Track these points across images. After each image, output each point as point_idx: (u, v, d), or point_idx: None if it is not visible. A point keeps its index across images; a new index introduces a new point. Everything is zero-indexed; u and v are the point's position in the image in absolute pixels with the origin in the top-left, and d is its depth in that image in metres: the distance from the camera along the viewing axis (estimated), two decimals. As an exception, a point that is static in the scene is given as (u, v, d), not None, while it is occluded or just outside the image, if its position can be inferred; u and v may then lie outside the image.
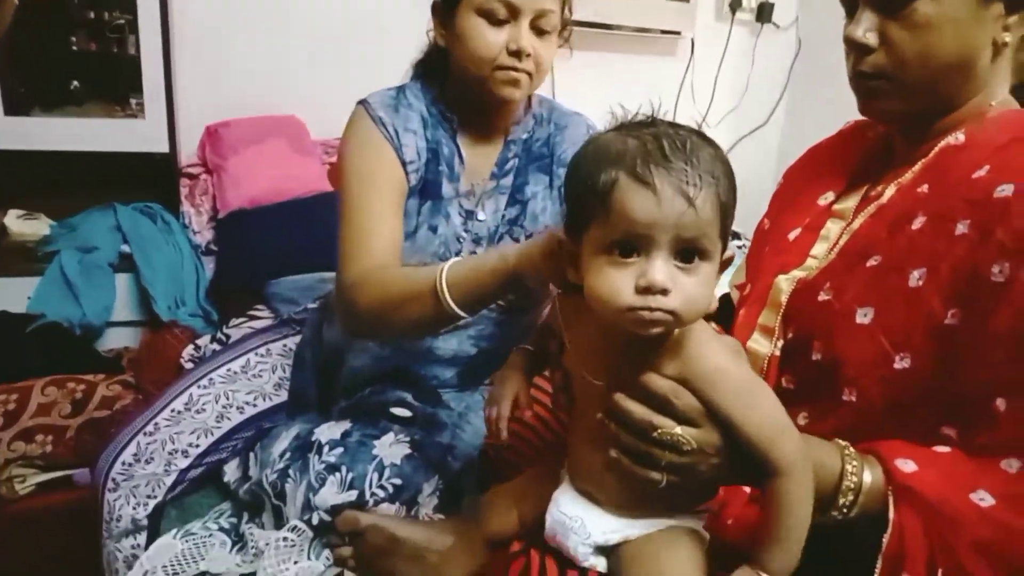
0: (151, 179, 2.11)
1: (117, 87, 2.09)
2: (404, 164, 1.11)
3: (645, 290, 0.64)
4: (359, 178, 1.09)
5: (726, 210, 0.67)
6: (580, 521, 0.76)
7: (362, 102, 1.14)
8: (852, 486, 0.70)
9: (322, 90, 2.11)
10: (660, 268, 0.64)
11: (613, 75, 2.54)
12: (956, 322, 0.70)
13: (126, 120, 2.10)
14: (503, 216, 1.17)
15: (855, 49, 0.79)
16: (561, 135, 1.21)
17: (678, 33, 2.54)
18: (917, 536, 0.67)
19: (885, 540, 0.68)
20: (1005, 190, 0.69)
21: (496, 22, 1.05)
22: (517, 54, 1.05)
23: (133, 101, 2.10)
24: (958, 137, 0.78)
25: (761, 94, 2.69)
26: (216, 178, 2.07)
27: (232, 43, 2.14)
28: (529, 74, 1.08)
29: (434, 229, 1.14)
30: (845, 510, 0.70)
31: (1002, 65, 0.79)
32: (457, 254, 1.14)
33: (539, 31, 1.07)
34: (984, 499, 0.66)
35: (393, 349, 1.18)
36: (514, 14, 1.05)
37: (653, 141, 0.66)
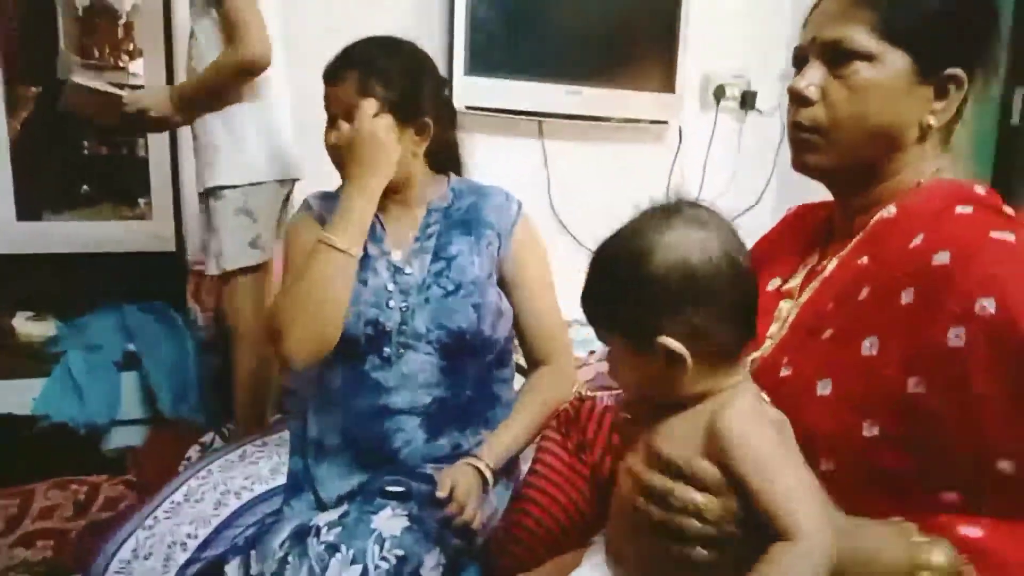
0: (159, 277, 2.16)
1: (126, 188, 2.16)
2: None
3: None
4: (295, 253, 1.27)
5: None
6: None
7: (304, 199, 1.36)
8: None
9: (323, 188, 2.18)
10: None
11: (606, 164, 2.63)
12: (924, 391, 0.71)
13: (135, 221, 2.16)
14: (429, 270, 1.25)
15: (796, 100, 0.84)
16: (484, 201, 1.31)
17: (665, 122, 2.64)
18: None
19: None
20: (942, 258, 0.72)
21: (328, 123, 1.24)
22: (333, 148, 1.23)
23: (142, 201, 2.17)
24: (890, 210, 0.82)
25: (750, 177, 2.76)
26: (221, 275, 2.12)
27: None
28: None
29: (364, 282, 1.22)
30: None
31: (929, 148, 0.83)
32: (388, 303, 1.21)
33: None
34: None
35: (354, 417, 1.21)
36: (331, 116, 1.23)
37: None
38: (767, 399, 0.75)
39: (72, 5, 2.04)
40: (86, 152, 2.14)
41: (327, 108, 1.24)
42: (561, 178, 2.59)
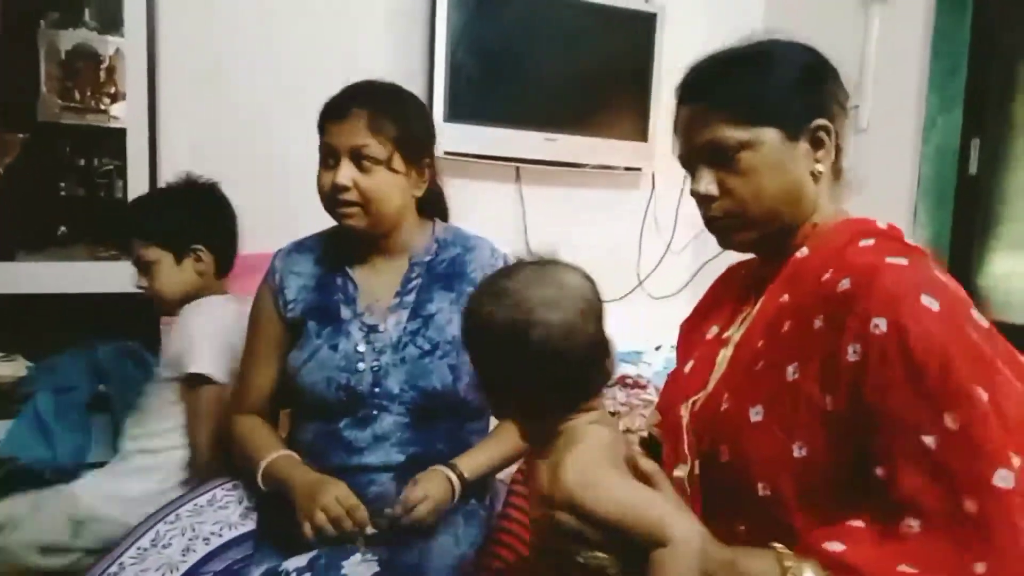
0: (132, 318, 2.14)
1: (103, 229, 2.15)
2: (285, 304, 1.27)
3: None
4: (251, 324, 1.33)
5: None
6: None
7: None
8: None
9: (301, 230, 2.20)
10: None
11: (582, 209, 2.68)
12: (833, 407, 0.78)
13: (109, 261, 2.15)
14: (405, 328, 1.23)
15: (702, 200, 0.93)
16: (471, 255, 1.30)
17: (639, 169, 2.71)
18: None
19: None
20: (845, 284, 0.80)
21: (327, 165, 1.21)
22: (337, 189, 1.18)
23: (118, 242, 2.15)
24: (803, 251, 0.91)
25: (721, 222, 2.84)
26: (196, 316, 2.11)
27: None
28: (359, 204, 1.19)
29: (335, 347, 1.21)
30: None
31: (825, 189, 0.93)
32: (358, 365, 1.20)
33: (361, 167, 1.17)
34: (907, 569, 0.70)
35: (326, 471, 1.20)
36: (333, 155, 1.19)
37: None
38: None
39: (54, 48, 2.06)
40: (63, 193, 2.13)
41: (330, 145, 1.20)
42: (538, 221, 2.63)
